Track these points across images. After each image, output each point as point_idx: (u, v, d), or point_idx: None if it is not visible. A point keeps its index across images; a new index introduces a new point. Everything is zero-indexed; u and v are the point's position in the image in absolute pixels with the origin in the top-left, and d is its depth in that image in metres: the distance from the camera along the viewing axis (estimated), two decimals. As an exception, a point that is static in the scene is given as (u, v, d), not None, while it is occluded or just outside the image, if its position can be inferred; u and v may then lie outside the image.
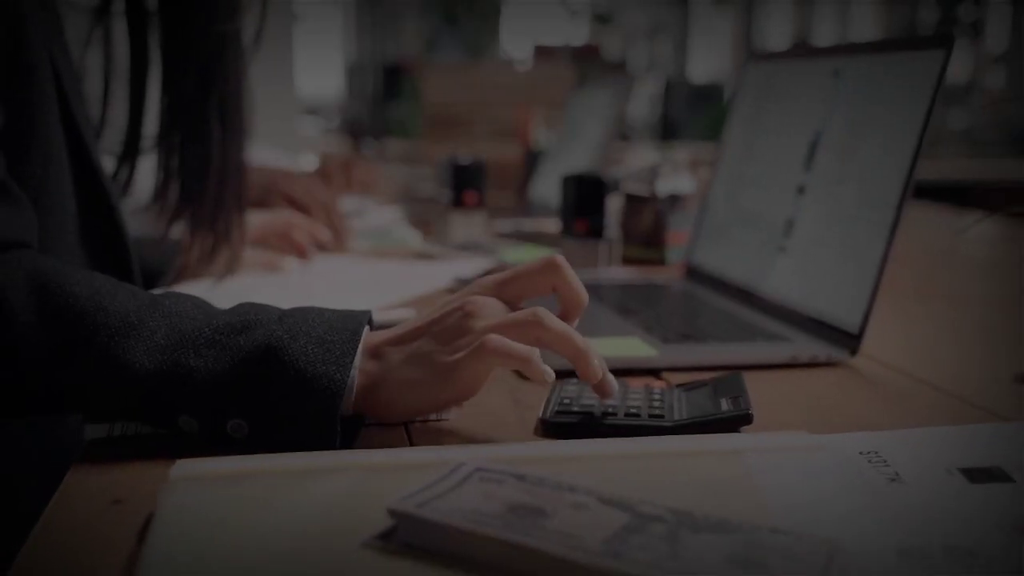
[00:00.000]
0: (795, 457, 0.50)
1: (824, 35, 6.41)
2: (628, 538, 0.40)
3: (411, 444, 0.59)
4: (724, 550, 0.39)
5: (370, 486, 0.46)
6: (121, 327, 0.56)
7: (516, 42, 5.65)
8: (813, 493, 0.46)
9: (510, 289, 0.61)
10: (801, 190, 0.91)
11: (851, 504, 0.45)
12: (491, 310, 0.59)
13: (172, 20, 0.87)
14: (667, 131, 5.11)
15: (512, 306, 0.61)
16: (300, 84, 4.00)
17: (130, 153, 0.92)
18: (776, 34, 6.55)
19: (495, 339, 0.56)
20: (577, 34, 5.53)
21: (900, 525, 0.43)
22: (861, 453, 0.52)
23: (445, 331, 0.58)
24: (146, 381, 0.55)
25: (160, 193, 0.91)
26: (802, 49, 1.02)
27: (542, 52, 5.45)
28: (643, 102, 5.46)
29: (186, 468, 0.48)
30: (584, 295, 0.62)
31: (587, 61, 5.15)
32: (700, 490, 0.46)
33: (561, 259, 0.62)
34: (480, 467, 0.46)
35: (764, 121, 1.02)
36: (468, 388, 0.58)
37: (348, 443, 0.56)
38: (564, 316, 0.62)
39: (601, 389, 0.59)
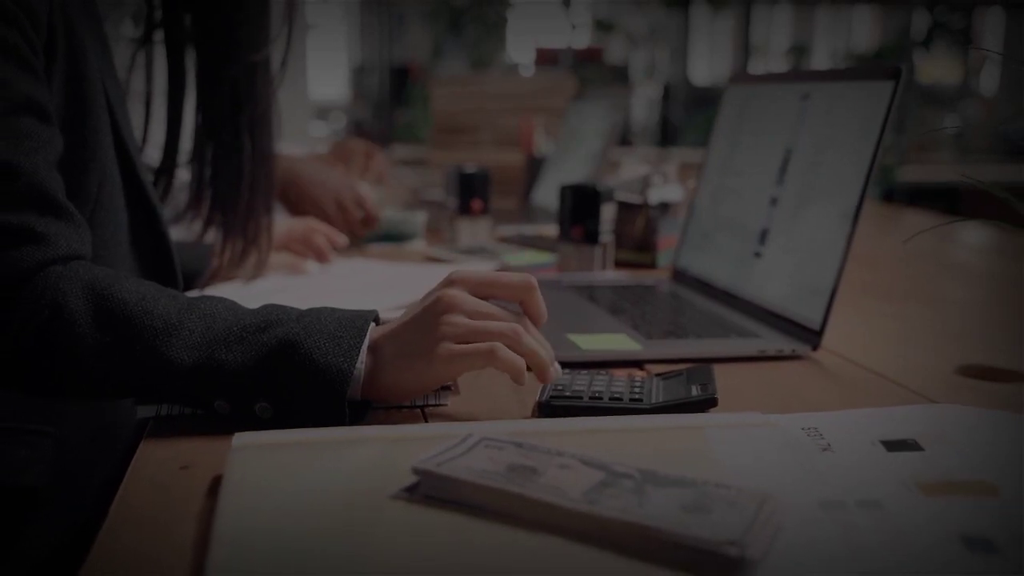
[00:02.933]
0: (747, 432, 0.61)
1: (823, 39, 6.51)
2: (603, 490, 0.50)
3: (427, 422, 0.69)
4: (679, 500, 0.50)
5: (397, 452, 0.56)
6: (164, 328, 0.66)
7: (520, 46, 5.75)
8: (757, 459, 0.57)
9: (485, 291, 0.71)
10: (774, 201, 1.02)
11: (786, 467, 0.55)
12: (466, 304, 0.69)
13: (207, 48, 0.97)
14: (666, 135, 5.21)
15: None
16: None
17: (168, 166, 1.02)
18: (777, 38, 6.65)
19: (503, 350, 0.66)
20: (580, 37, 5.62)
21: (824, 483, 0.54)
22: (803, 429, 0.62)
23: (428, 323, 0.68)
24: (186, 373, 0.66)
25: (194, 202, 1.01)
26: (776, 74, 1.12)
27: (544, 55, 5.53)
28: (643, 106, 5.56)
29: (245, 439, 0.59)
30: (544, 315, 0.72)
31: (589, 64, 5.24)
32: (665, 456, 0.56)
33: (534, 281, 0.72)
34: (486, 437, 0.57)
35: (743, 138, 1.12)
36: (454, 374, 0.68)
37: (356, 423, 0.66)
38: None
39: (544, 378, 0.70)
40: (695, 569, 0.45)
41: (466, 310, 0.68)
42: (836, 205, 0.90)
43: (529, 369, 0.69)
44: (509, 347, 0.67)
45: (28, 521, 0.78)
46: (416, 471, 0.52)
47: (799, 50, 5.41)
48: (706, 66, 6.67)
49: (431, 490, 0.52)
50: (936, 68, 5.16)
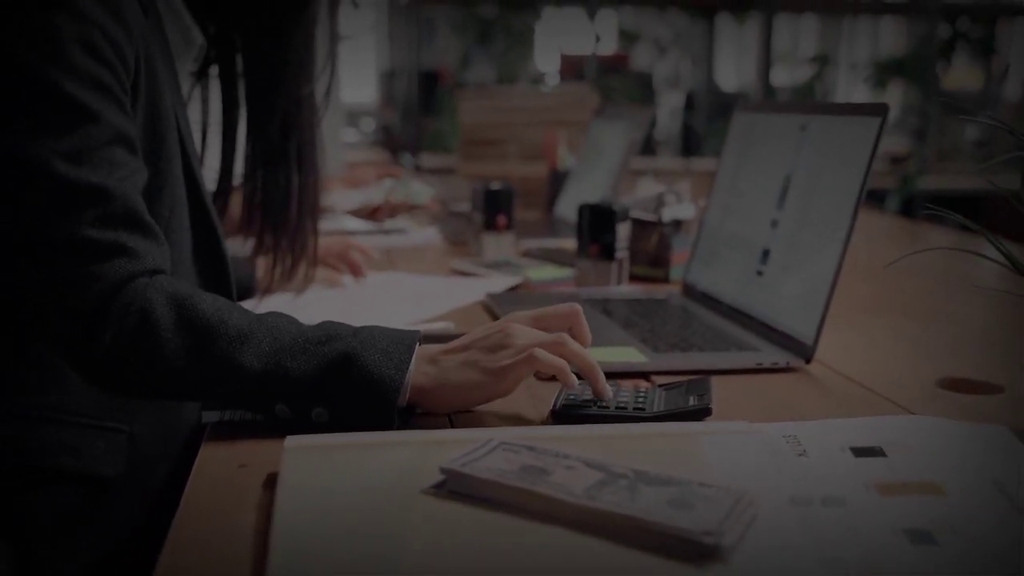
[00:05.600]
0: (734, 438, 0.69)
1: (847, 48, 6.56)
2: (602, 488, 0.59)
3: (453, 427, 0.78)
4: (666, 496, 0.58)
5: (427, 454, 0.65)
6: (237, 336, 0.75)
7: (547, 54, 5.81)
8: (739, 462, 0.65)
9: (538, 324, 0.82)
10: (775, 224, 1.10)
11: (763, 470, 0.64)
12: (526, 332, 0.79)
13: (257, 83, 1.06)
14: (688, 144, 5.26)
15: None
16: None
17: (223, 189, 1.12)
18: (803, 46, 6.69)
19: (540, 351, 0.76)
20: (605, 46, 5.68)
21: (795, 483, 0.62)
22: (783, 436, 0.70)
23: (490, 345, 0.78)
24: (255, 377, 0.75)
25: (247, 222, 1.11)
26: (778, 105, 1.20)
27: (569, 63, 5.57)
28: (667, 115, 5.62)
29: (296, 441, 0.68)
30: (588, 337, 0.84)
31: (615, 73, 5.29)
32: (659, 459, 0.65)
33: (578, 308, 0.84)
34: (503, 441, 0.65)
35: (748, 163, 1.21)
36: (510, 387, 0.78)
37: (402, 427, 0.75)
38: None
39: (599, 392, 0.79)
40: (678, 555, 0.54)
41: (522, 334, 0.79)
42: (830, 229, 0.98)
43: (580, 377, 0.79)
44: (555, 352, 0.77)
45: (103, 506, 0.88)
46: (443, 470, 0.61)
47: (822, 59, 5.46)
48: (732, 73, 6.73)
49: (456, 487, 0.61)
50: (959, 74, 5.20)
